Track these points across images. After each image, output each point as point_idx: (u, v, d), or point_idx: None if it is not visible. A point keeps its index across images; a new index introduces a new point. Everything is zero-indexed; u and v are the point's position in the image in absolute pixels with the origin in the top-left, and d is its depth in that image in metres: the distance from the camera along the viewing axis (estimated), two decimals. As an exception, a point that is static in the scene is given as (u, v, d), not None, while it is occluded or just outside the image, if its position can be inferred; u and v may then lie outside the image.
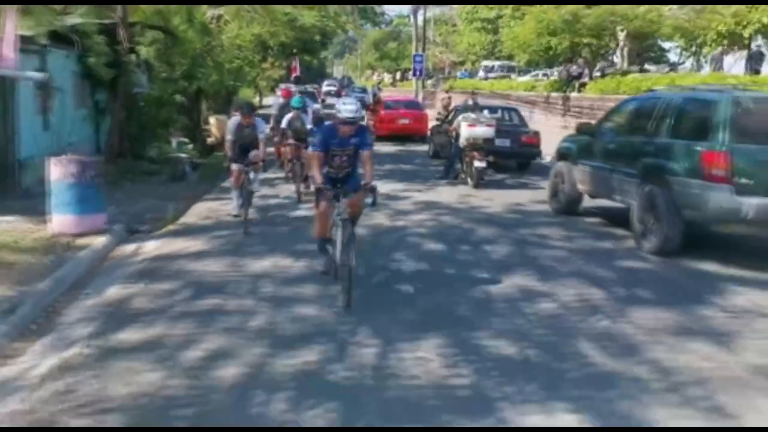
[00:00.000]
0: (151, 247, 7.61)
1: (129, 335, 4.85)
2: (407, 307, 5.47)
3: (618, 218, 8.72)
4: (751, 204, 6.23)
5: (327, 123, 6.55)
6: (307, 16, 20.30)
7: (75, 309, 5.52)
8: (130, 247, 7.66)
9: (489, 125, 11.87)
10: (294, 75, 34.50)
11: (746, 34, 25.74)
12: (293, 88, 18.64)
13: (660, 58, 54.78)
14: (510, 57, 50.47)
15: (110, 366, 4.29)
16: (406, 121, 20.94)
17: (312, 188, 6.83)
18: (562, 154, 9.71)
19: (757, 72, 22.77)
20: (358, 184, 5.77)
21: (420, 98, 32.90)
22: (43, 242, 7.26)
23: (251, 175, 8.58)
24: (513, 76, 50.93)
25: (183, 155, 15.40)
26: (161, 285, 6.06)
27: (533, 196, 10.97)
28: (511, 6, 45.08)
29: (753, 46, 25.13)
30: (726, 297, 5.78)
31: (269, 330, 4.96)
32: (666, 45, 50.68)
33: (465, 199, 10.83)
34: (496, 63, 55.56)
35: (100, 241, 7.53)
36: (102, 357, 4.44)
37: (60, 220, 7.64)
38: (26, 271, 6.19)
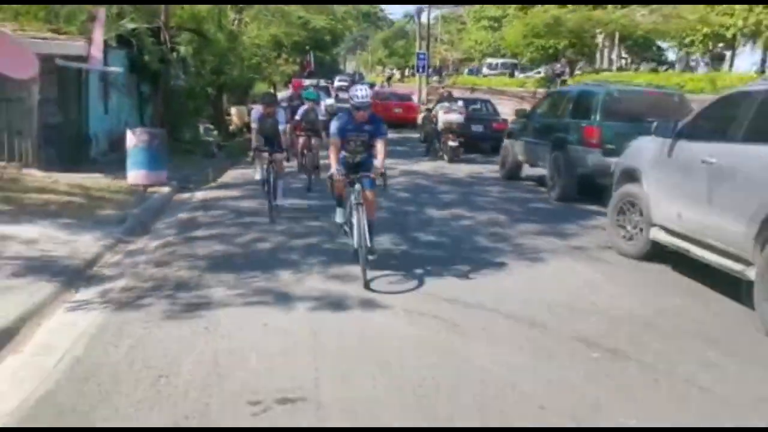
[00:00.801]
0: (200, 195, 10.62)
1: (199, 233, 7.84)
2: (378, 225, 8.43)
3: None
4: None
5: (342, 112, 6.79)
6: (318, 19, 23.31)
7: (160, 223, 8.53)
8: (185, 195, 10.65)
9: (460, 113, 14.85)
10: (308, 69, 35.97)
11: (729, 35, 28.34)
12: (306, 82, 21.40)
13: (659, 57, 57.44)
14: (514, 55, 53.27)
15: (192, 243, 7.28)
16: (399, 111, 24.17)
17: (322, 176, 8.69)
18: (508, 133, 12.68)
19: (717, 70, 25.55)
20: (371, 168, 6.09)
21: (424, 93, 35.88)
22: (125, 189, 10.26)
23: (278, 185, 8.71)
24: (517, 73, 53.70)
25: (210, 139, 18.43)
26: (213, 212, 9.06)
27: (493, 169, 13.90)
28: (513, 6, 47.67)
29: (718, 48, 27.87)
30: (586, 220, 8.72)
31: (289, 233, 7.92)
32: (664, 45, 53.40)
33: (438, 170, 13.80)
34: (500, 61, 58.33)
35: (164, 189, 10.55)
36: (186, 241, 7.44)
37: (135, 175, 10.64)
38: (122, 203, 9.19)
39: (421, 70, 35.75)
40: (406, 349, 4.43)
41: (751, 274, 4.97)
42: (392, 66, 70.42)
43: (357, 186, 6.00)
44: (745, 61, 45.94)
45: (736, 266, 5.20)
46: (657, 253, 6.62)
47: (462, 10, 64.35)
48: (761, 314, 4.84)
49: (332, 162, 6.07)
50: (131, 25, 13.98)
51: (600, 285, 6.09)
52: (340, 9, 24.62)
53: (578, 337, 4.70)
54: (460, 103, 16.04)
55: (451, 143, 14.64)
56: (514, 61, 55.74)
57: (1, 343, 4.44)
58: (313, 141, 11.26)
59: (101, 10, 11.10)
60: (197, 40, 17.47)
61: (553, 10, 26.49)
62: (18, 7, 12.41)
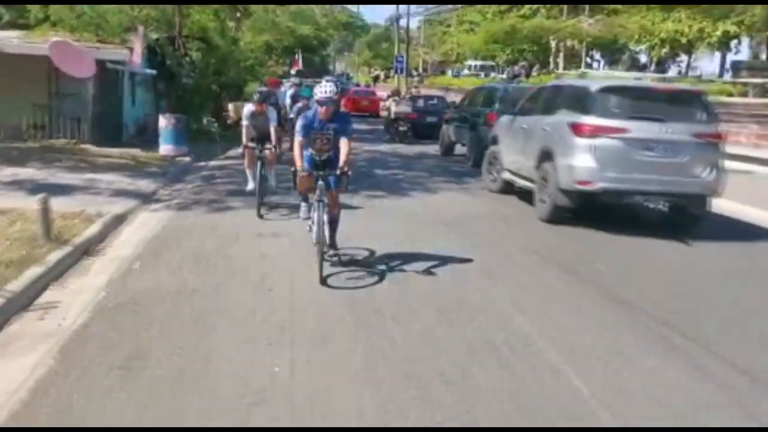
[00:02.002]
0: (212, 163, 14.48)
1: (216, 180, 11.74)
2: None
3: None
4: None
5: (309, 110, 6.58)
6: (303, 28, 27.27)
7: (189, 177, 12.41)
8: (201, 163, 14.50)
9: (407, 105, 18.91)
10: (296, 68, 39.86)
11: (683, 41, 32.20)
12: (290, 80, 25.23)
13: (632, 60, 61.64)
14: (493, 57, 57.38)
15: (213, 185, 11.20)
16: (366, 103, 29.75)
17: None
18: (445, 120, 16.67)
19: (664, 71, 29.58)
20: (336, 169, 6.02)
21: (403, 91, 40.12)
22: (159, 158, 14.11)
23: (266, 170, 9.02)
24: (493, 74, 57.79)
25: (212, 129, 22.31)
26: (223, 171, 12.95)
27: (437, 149, 17.88)
28: (492, 8, 51.62)
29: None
30: (480, 177, 12.70)
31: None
32: (637, 49, 57.65)
33: (394, 149, 17.79)
34: (479, 63, 62.44)
35: (186, 159, 14.43)
36: (209, 184, 11.34)
37: (165, 148, 14.52)
38: (160, 165, 13.08)
39: (399, 71, 39.72)
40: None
41: (534, 187, 8.96)
42: (378, 67, 74.43)
43: (320, 183, 6.00)
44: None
45: (530, 185, 9.19)
46: (509, 189, 10.57)
47: (450, 11, 68.31)
48: (537, 209, 8.82)
49: (296, 159, 6.06)
50: (154, 35, 17.86)
51: (469, 203, 10.10)
52: (322, 19, 28.70)
53: (444, 221, 8.66)
54: (408, 97, 20.17)
55: (400, 128, 18.76)
56: (492, 63, 59.83)
57: (120, 221, 8.33)
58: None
59: (140, 27, 14.99)
60: (204, 46, 21.35)
61: (510, 20, 30.60)
62: (71, 21, 16.27)
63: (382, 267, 6.37)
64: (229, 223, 8.31)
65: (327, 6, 30.67)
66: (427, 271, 6.24)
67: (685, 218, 8.39)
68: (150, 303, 5.29)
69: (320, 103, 5.95)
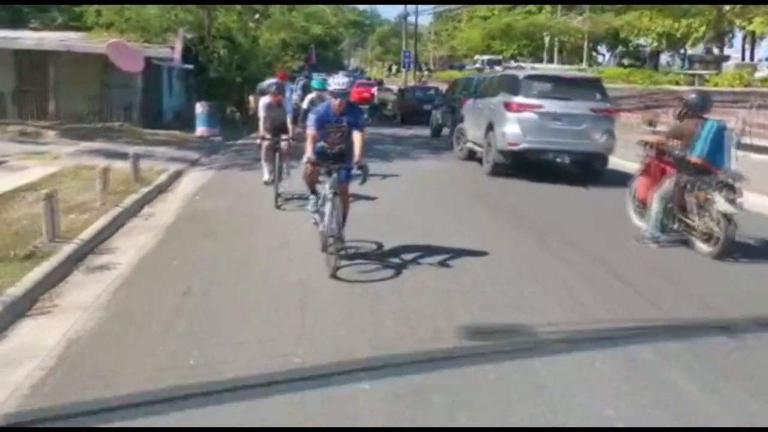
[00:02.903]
0: (239, 142, 17.61)
1: (245, 153, 14.86)
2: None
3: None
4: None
5: (323, 103, 6.69)
6: (316, 27, 30.40)
7: (222, 150, 15.57)
8: (230, 142, 17.65)
9: (391, 93, 22.12)
10: (309, 63, 40.52)
11: (679, 35, 34.66)
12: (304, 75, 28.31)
13: (636, 54, 64.20)
14: (501, 52, 60.14)
15: (243, 155, 14.33)
16: (366, 94, 32.06)
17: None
18: (434, 106, 19.71)
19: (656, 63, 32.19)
20: (350, 162, 5.99)
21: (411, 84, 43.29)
22: (196, 137, 17.27)
23: (282, 161, 9.16)
24: (497, 68, 60.52)
25: (235, 117, 25.48)
26: (251, 147, 16.03)
27: (428, 132, 20.93)
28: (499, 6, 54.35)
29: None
30: (451, 151, 15.73)
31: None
32: (642, 42, 60.26)
33: (392, 132, 20.87)
34: (486, 57, 65.20)
35: (218, 138, 17.58)
36: (239, 155, 14.49)
37: (200, 129, 17.69)
38: (197, 142, 16.25)
39: (406, 66, 42.74)
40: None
41: (483, 151, 12.02)
42: (391, 62, 77.43)
43: (334, 176, 5.92)
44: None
45: (481, 150, 12.24)
46: (471, 157, 13.57)
47: (459, 7, 71.09)
48: (484, 167, 11.88)
49: (308, 151, 6.01)
50: (189, 35, 21.03)
51: (440, 167, 13.17)
52: (332, 18, 31.83)
53: (419, 179, 11.71)
54: (394, 87, 23.47)
55: (385, 112, 21.98)
56: (498, 57, 62.53)
57: (176, 177, 11.48)
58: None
59: (180, 29, 18.17)
60: (228, 44, 24.50)
61: (509, 17, 33.55)
62: (121, 24, 19.47)
63: (393, 257, 6.41)
64: (257, 179, 11.33)
65: (337, 6, 33.86)
66: (395, 201, 9.34)
67: (589, 172, 11.39)
68: (210, 214, 8.43)
69: (334, 94, 5.92)
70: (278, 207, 8.75)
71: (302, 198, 8.54)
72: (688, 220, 6.89)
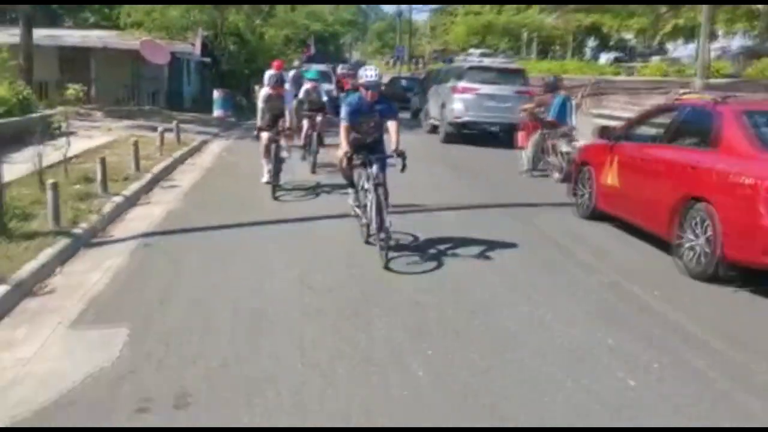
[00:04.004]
0: (249, 122, 21.23)
1: (253, 131, 18.54)
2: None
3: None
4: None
5: (354, 94, 6.69)
6: (315, 25, 34.00)
7: (236, 128, 19.25)
8: (241, 122, 21.30)
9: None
10: (307, 54, 40.53)
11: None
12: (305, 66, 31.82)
13: (624, 49, 67.54)
14: (489, 46, 63.64)
15: (252, 132, 18.00)
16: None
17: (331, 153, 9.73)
18: (414, 93, 23.32)
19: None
20: (385, 152, 6.15)
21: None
22: (213, 118, 20.91)
23: (282, 143, 9.29)
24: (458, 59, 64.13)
25: (243, 104, 29.14)
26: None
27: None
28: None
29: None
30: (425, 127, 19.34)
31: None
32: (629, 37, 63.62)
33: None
34: (478, 51, 68.65)
35: (232, 119, 21.24)
36: (250, 132, 18.12)
37: (217, 112, 21.33)
38: (215, 122, 19.94)
39: (398, 59, 46.36)
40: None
41: (439, 124, 15.67)
42: (390, 56, 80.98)
43: (372, 168, 5.97)
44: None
45: (438, 123, 15.90)
46: (433, 131, 17.13)
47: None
48: (439, 136, 15.56)
49: (342, 144, 6.03)
50: (205, 33, 24.71)
51: (412, 137, 16.61)
52: (330, 17, 35.50)
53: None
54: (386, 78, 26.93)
55: None
56: (488, 51, 65.97)
57: (205, 143, 15.17)
58: (318, 119, 11.25)
59: (200, 29, 21.85)
60: (238, 40, 28.15)
61: (488, 15, 37.09)
62: (148, 24, 23.12)
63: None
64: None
65: (334, 6, 37.54)
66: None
67: (511, 137, 15.02)
68: (232, 164, 12.10)
69: (366, 87, 5.92)
70: (276, 198, 8.81)
71: (301, 189, 9.55)
72: (548, 159, 10.56)
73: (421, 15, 73.71)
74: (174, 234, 7.12)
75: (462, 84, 14.69)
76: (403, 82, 27.97)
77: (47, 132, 11.28)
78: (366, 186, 6.09)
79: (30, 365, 3.99)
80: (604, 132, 7.64)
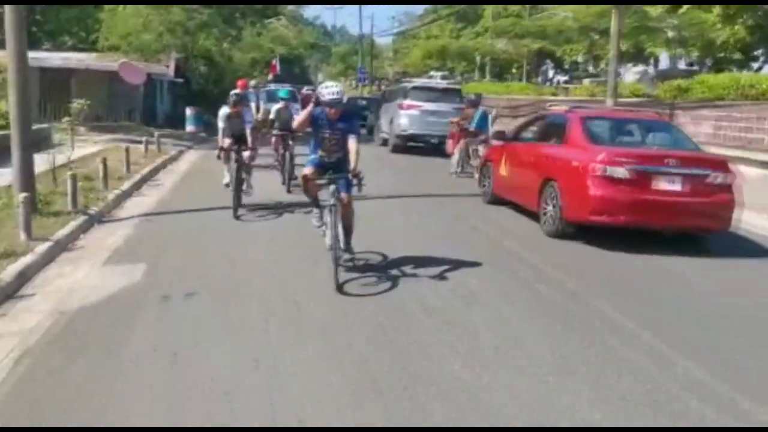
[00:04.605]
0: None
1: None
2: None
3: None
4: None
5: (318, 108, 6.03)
6: (280, 48, 36.19)
7: (207, 142, 21.23)
8: (212, 138, 23.26)
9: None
10: (273, 74, 40.83)
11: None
12: (272, 86, 33.96)
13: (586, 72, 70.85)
14: (451, 69, 66.53)
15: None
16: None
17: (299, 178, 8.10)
18: (370, 111, 25.60)
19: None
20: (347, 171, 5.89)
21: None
22: (186, 133, 22.85)
23: (245, 167, 9.22)
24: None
25: (211, 121, 31.10)
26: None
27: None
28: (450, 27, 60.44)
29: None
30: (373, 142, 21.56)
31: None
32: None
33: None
34: (439, 74, 71.68)
35: (203, 134, 23.20)
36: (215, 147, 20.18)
37: (189, 128, 23.24)
38: (188, 136, 21.90)
39: (361, 81, 48.75)
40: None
41: (389, 137, 17.91)
42: (355, 77, 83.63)
43: (332, 188, 5.85)
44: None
45: (388, 136, 18.13)
46: (385, 143, 19.35)
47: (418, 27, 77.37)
48: (389, 147, 17.79)
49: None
50: (177, 55, 26.69)
51: (367, 150, 18.89)
52: (293, 41, 37.77)
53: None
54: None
55: None
56: (446, 73, 68.93)
57: (181, 153, 17.16)
58: (290, 141, 11.16)
59: (173, 52, 23.83)
60: (207, 62, 30.18)
61: (439, 41, 39.81)
62: (124, 47, 25.01)
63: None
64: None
65: (296, 29, 39.91)
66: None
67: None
68: (206, 172, 14.04)
69: (328, 105, 5.79)
70: (237, 217, 8.64)
71: (265, 208, 9.40)
72: (472, 162, 12.80)
73: (385, 39, 76.77)
74: (165, 214, 9.17)
75: (407, 102, 16.95)
76: (361, 102, 30.19)
77: (49, 141, 13.19)
78: (327, 206, 6.00)
79: (80, 283, 5.98)
80: (499, 135, 9.88)
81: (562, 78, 48.91)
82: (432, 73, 73.43)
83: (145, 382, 3.97)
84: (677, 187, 7.24)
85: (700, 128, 14.55)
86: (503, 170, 9.49)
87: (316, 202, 6.43)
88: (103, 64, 23.79)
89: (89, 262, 6.67)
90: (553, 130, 8.57)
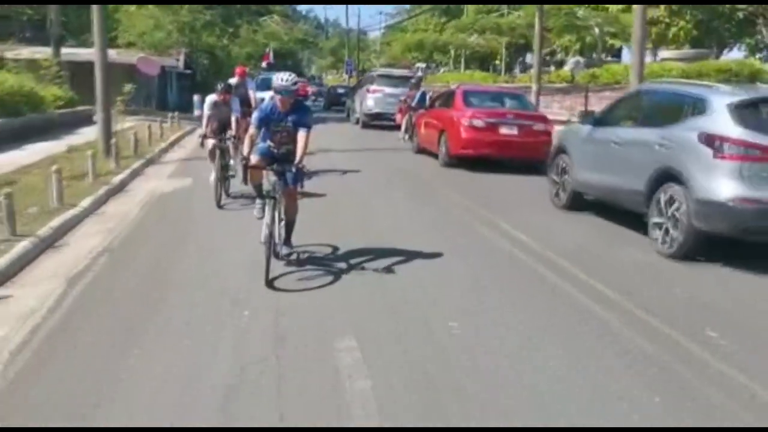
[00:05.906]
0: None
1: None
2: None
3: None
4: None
5: (268, 101, 6.17)
6: (273, 43, 40.64)
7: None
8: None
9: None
10: (267, 62, 43.41)
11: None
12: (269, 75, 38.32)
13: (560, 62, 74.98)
14: (435, 61, 70.90)
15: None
16: (302, 91, 42.04)
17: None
18: (347, 97, 30.08)
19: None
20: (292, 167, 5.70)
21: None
22: (194, 117, 27.24)
23: (229, 154, 9.25)
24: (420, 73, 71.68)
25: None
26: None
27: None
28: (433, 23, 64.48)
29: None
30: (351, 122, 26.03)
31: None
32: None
33: (323, 114, 31.25)
34: (423, 65, 76.08)
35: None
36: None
37: (197, 112, 27.49)
38: (196, 118, 26.34)
39: (348, 73, 53.16)
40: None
41: (360, 117, 22.44)
42: (342, 71, 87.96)
43: (273, 179, 5.82)
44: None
45: (359, 116, 22.65)
46: (357, 122, 23.78)
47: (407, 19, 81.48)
48: (359, 124, 22.33)
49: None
50: (185, 50, 31.14)
51: (340, 126, 23.47)
52: (284, 36, 42.39)
53: (330, 133, 22.08)
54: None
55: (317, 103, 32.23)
56: (426, 64, 73.23)
57: (193, 130, 21.67)
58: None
59: (182, 48, 28.30)
60: (210, 57, 34.61)
61: (418, 35, 44.23)
62: (143, 44, 29.43)
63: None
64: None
65: (288, 26, 44.54)
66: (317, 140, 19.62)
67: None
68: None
69: (277, 91, 5.67)
70: (220, 206, 8.73)
71: (249, 197, 8.64)
72: (413, 133, 17.34)
73: (375, 33, 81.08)
74: (192, 160, 13.73)
75: (373, 87, 21.45)
76: (339, 90, 34.78)
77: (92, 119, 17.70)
78: (267, 199, 5.82)
79: (157, 186, 10.52)
80: (422, 107, 14.47)
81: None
82: (418, 64, 78.27)
83: (206, 221, 8.37)
84: (514, 132, 11.84)
85: (602, 104, 19.06)
86: (422, 129, 14.06)
87: (259, 192, 6.31)
88: (124, 58, 28.23)
89: (157, 179, 11.23)
90: (448, 99, 13.14)
